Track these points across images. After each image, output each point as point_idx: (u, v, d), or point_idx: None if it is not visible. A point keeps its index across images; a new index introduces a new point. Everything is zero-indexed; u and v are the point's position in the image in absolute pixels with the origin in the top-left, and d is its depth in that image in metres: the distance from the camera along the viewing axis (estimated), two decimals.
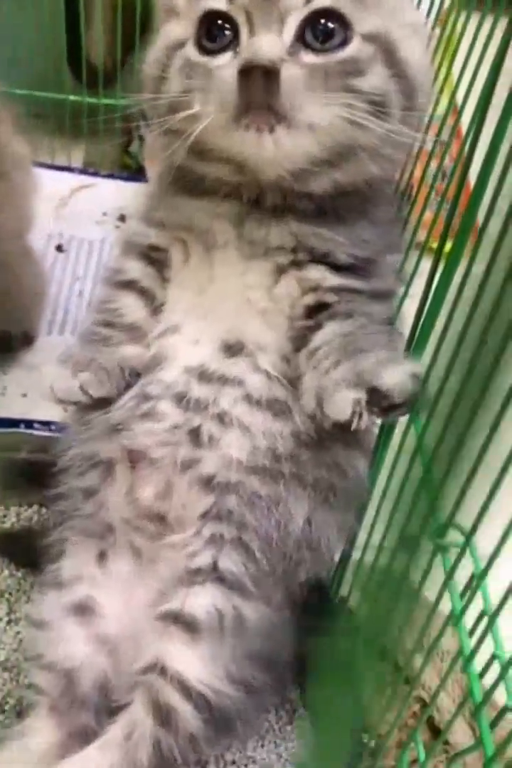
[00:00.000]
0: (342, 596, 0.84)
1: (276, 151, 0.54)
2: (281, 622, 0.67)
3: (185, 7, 0.60)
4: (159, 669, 0.61)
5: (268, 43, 0.53)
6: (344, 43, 0.55)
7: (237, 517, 0.62)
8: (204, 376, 0.62)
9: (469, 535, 0.53)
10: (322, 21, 0.54)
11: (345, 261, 0.61)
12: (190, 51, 0.58)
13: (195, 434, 0.62)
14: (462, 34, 0.63)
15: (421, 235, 0.68)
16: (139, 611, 0.65)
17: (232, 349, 0.62)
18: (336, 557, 0.83)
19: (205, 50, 0.57)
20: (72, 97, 1.35)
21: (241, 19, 0.55)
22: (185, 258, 0.65)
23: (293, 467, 0.62)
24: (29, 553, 0.76)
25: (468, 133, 0.56)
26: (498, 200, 0.47)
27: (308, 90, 0.52)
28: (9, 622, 0.80)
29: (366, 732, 0.76)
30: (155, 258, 0.66)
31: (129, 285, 0.67)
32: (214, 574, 0.62)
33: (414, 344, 0.61)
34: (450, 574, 0.55)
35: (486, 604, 0.52)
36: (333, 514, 0.65)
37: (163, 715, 0.60)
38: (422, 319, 0.59)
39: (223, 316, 0.62)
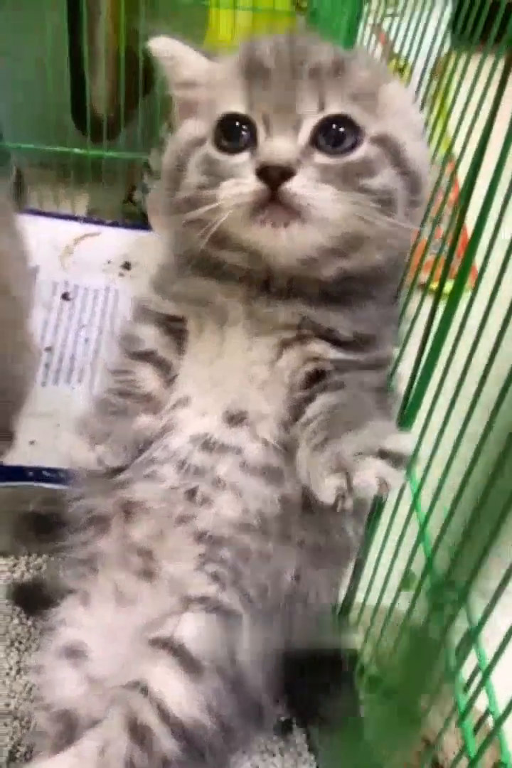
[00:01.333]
0: (346, 637, 0.85)
1: (289, 244, 0.58)
2: (269, 668, 0.67)
3: (204, 106, 0.64)
4: (140, 688, 0.62)
5: (284, 145, 0.57)
6: (354, 145, 0.58)
7: (231, 565, 0.64)
8: (206, 445, 0.65)
9: (463, 593, 0.54)
10: (334, 126, 0.58)
11: (348, 338, 0.63)
12: (209, 149, 0.61)
13: (191, 494, 0.65)
14: (462, 77, 0.66)
15: (423, 277, 0.70)
16: (124, 647, 0.66)
17: (234, 418, 0.65)
18: (328, 608, 0.85)
19: (223, 149, 0.61)
20: (76, 150, 1.38)
21: (259, 122, 0.59)
22: (199, 331, 0.68)
23: (281, 527, 0.64)
24: (39, 602, 0.77)
25: (466, 181, 0.59)
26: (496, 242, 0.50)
27: (320, 189, 0.56)
28: (18, 671, 0.80)
29: None
30: (172, 328, 0.69)
31: (145, 356, 0.69)
32: (208, 604, 0.64)
33: (417, 382, 0.63)
34: (444, 632, 0.56)
35: (480, 661, 0.54)
36: (321, 571, 0.67)
37: (139, 735, 0.60)
38: (424, 358, 0.62)
39: (228, 388, 0.65)
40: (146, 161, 1.41)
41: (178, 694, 0.61)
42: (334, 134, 0.58)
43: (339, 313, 0.63)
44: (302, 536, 0.64)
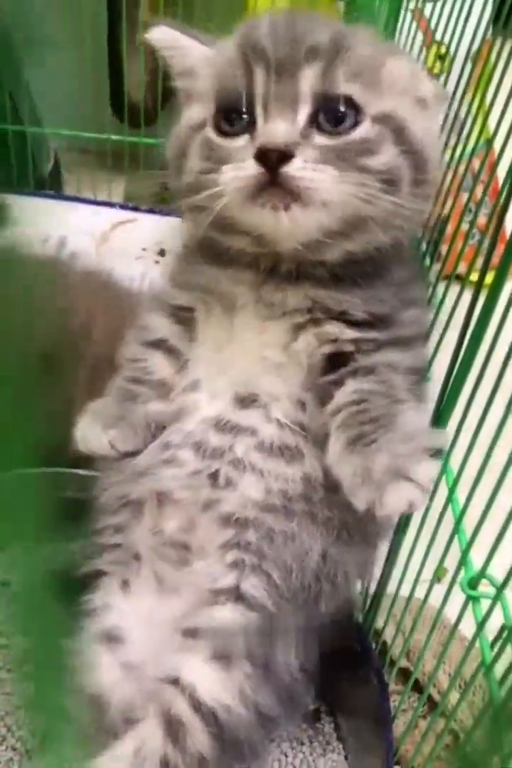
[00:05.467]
0: (376, 629, 0.85)
1: (291, 226, 0.57)
2: (299, 653, 0.67)
3: (204, 91, 0.63)
4: (173, 680, 0.62)
5: (282, 127, 0.56)
6: (355, 125, 0.58)
7: (256, 547, 0.64)
8: (219, 426, 0.65)
9: (501, 587, 0.54)
10: (334, 106, 0.57)
11: (361, 318, 0.63)
12: (209, 133, 0.61)
13: (214, 477, 0.65)
14: (506, 64, 0.64)
15: (462, 269, 0.70)
16: (162, 634, 0.66)
17: (245, 401, 0.65)
18: (358, 589, 0.85)
19: (223, 133, 0.60)
20: (114, 137, 1.39)
21: (257, 105, 0.58)
22: (208, 318, 0.68)
23: (305, 506, 0.64)
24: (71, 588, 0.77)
25: (510, 170, 0.58)
26: None
27: (320, 170, 0.55)
28: None
29: (399, 764, 0.76)
30: (182, 317, 0.70)
31: (157, 344, 0.70)
32: (236, 595, 0.64)
33: (455, 375, 0.62)
34: (481, 626, 0.56)
35: None
36: (349, 550, 0.66)
37: (173, 731, 0.61)
38: (462, 351, 0.61)
39: (239, 371, 0.66)
40: None
41: (210, 682, 0.62)
42: (334, 114, 0.57)
43: (349, 293, 0.62)
44: (327, 515, 0.64)
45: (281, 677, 0.65)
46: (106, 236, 1.30)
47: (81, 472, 0.78)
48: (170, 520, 0.67)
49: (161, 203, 1.45)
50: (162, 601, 0.68)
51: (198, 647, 0.63)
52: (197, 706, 0.61)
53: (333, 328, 0.63)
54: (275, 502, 0.64)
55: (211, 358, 0.67)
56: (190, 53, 0.66)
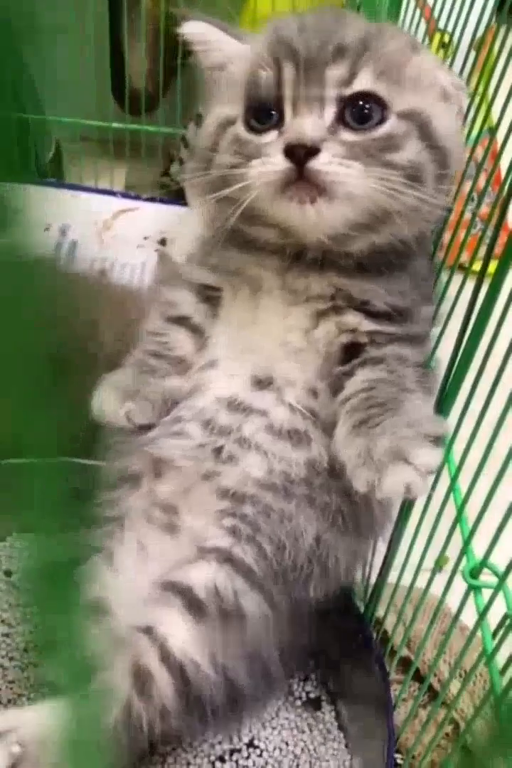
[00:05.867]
0: (377, 618, 0.85)
1: (317, 220, 0.59)
2: (282, 632, 0.67)
3: (234, 87, 0.65)
4: (147, 630, 0.63)
5: (311, 123, 0.58)
6: (381, 121, 0.59)
7: (251, 520, 0.65)
8: (232, 405, 0.66)
9: (503, 576, 0.54)
10: (360, 103, 0.59)
11: (382, 309, 0.64)
12: (239, 129, 0.63)
13: (217, 452, 0.66)
14: (510, 53, 0.64)
15: (465, 258, 0.70)
16: (142, 592, 0.67)
17: (262, 383, 0.66)
18: (358, 579, 0.85)
19: (252, 129, 0.62)
20: (115, 124, 1.39)
21: (286, 102, 0.60)
22: (233, 299, 0.70)
23: (305, 490, 0.65)
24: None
25: None
26: None
27: (346, 165, 0.57)
28: None
29: (399, 752, 0.77)
30: (208, 296, 0.71)
31: (181, 320, 0.72)
32: (226, 556, 0.65)
33: (457, 364, 0.63)
34: (482, 615, 0.56)
35: None
36: (342, 538, 0.67)
37: (141, 680, 0.61)
38: (464, 340, 0.61)
39: (258, 354, 0.67)
40: (183, 135, 1.41)
41: (182, 635, 0.62)
42: (360, 111, 0.59)
43: (372, 284, 0.64)
44: (326, 500, 0.65)
45: (256, 651, 0.65)
46: (107, 224, 1.30)
47: (84, 461, 0.78)
48: (165, 484, 0.68)
49: (162, 190, 1.45)
50: (144, 565, 0.68)
51: (175, 601, 0.63)
52: (166, 658, 0.61)
53: (353, 318, 0.65)
54: (275, 482, 0.65)
55: (233, 339, 0.69)
56: (221, 48, 0.68)
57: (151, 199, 1.38)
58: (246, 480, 0.65)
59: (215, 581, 0.63)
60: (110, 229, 1.29)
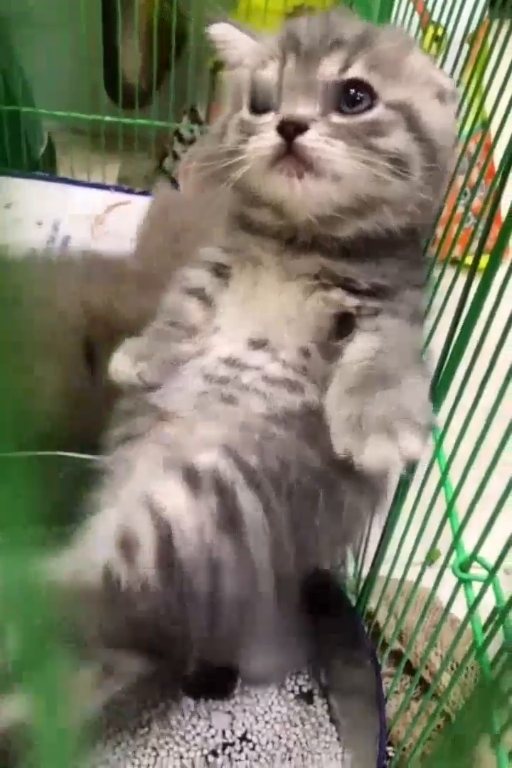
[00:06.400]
0: (369, 611, 0.85)
1: (304, 196, 0.63)
2: (275, 559, 0.64)
3: (247, 78, 0.70)
4: (141, 495, 0.63)
5: (303, 104, 0.63)
6: (370, 108, 0.63)
7: (256, 441, 0.66)
8: (230, 362, 0.71)
9: (492, 570, 0.54)
10: (352, 90, 0.63)
11: (364, 287, 0.68)
12: (244, 112, 0.69)
13: (218, 395, 0.70)
14: (503, 47, 0.65)
15: (457, 252, 0.71)
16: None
17: (256, 344, 0.71)
18: (350, 573, 0.85)
19: (255, 111, 0.67)
20: (108, 118, 1.38)
21: (285, 87, 0.65)
22: (240, 275, 0.76)
23: (305, 427, 0.67)
24: None
25: (505, 153, 0.58)
26: None
27: (332, 143, 0.61)
28: None
29: (391, 745, 0.77)
30: (221, 272, 0.77)
31: (194, 291, 0.77)
32: (228, 451, 0.65)
33: (449, 358, 0.63)
34: (472, 608, 0.57)
35: (507, 640, 0.54)
36: (346, 479, 0.64)
37: (126, 545, 0.61)
38: (456, 334, 0.62)
39: (257, 321, 0.72)
40: (177, 129, 1.41)
41: (174, 500, 0.62)
42: (350, 97, 0.63)
43: (354, 266, 0.68)
44: (326, 444, 0.62)
45: (246, 553, 0.63)
46: (100, 219, 1.29)
47: (74, 455, 0.78)
48: (169, 429, 0.70)
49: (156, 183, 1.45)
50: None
51: (175, 474, 0.64)
52: (155, 515, 0.61)
53: (337, 295, 0.68)
54: (277, 414, 0.68)
55: (235, 309, 0.74)
56: (239, 46, 0.73)
57: (144, 193, 1.37)
58: (248, 413, 0.68)
59: (217, 465, 0.65)
60: (103, 224, 1.28)
